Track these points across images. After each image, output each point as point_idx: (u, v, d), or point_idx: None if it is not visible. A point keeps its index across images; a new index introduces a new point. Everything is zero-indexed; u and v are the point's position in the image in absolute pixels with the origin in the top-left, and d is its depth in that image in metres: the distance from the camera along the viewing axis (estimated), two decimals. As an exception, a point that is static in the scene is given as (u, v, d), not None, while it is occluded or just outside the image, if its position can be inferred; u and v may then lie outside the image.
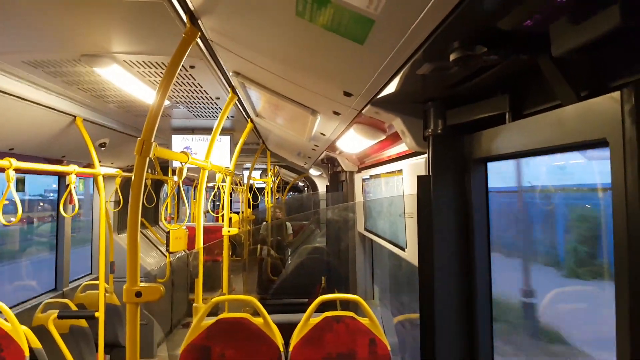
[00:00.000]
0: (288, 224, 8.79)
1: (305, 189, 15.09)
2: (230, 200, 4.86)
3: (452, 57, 1.10)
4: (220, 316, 2.97)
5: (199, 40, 1.74)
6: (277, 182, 10.94)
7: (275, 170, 9.08)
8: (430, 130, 1.79)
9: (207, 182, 3.74)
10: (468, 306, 1.75)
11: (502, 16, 0.96)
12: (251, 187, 7.61)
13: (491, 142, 1.53)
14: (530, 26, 1.01)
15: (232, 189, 7.05)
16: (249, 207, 7.76)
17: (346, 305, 4.27)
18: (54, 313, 3.79)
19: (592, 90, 1.06)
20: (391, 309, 4.14)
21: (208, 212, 6.94)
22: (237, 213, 8.86)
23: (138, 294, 1.68)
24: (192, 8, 1.52)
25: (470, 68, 1.30)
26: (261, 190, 9.23)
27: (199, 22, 1.62)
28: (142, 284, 1.70)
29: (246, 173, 7.43)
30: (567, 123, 1.10)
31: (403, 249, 2.63)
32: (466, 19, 0.94)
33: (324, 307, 3.05)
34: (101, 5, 1.67)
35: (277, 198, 11.31)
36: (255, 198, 8.17)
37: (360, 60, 1.36)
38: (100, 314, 3.68)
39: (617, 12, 0.82)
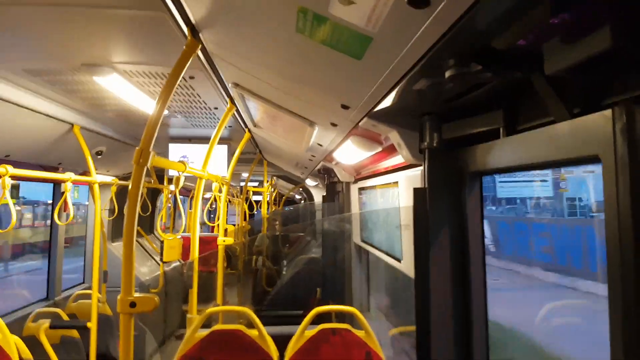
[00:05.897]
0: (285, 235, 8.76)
1: (302, 201, 15.08)
2: (227, 212, 4.84)
3: (447, 74, 1.12)
4: (215, 328, 2.94)
5: (199, 52, 1.75)
6: (274, 194, 10.93)
7: (273, 181, 9.06)
8: (426, 144, 1.81)
9: (204, 192, 3.74)
10: (464, 318, 1.75)
11: (497, 35, 0.99)
12: (247, 197, 7.60)
13: (486, 156, 1.55)
14: (524, 45, 1.03)
15: (229, 201, 7.00)
16: (245, 219, 7.72)
17: (342, 317, 4.25)
18: (46, 323, 3.73)
19: (584, 107, 1.08)
20: (387, 321, 4.13)
21: (205, 223, 6.91)
22: (233, 225, 8.84)
23: (132, 305, 1.67)
24: (193, 21, 1.54)
25: (465, 84, 1.33)
26: (257, 202, 9.19)
27: (200, 34, 1.64)
28: (136, 294, 1.69)
29: (243, 183, 7.42)
30: (560, 139, 1.12)
31: (399, 261, 2.64)
32: (461, 37, 0.97)
33: (319, 319, 3.03)
34: (103, 16, 1.68)
35: (274, 211, 11.30)
36: (251, 208, 8.13)
37: (358, 74, 1.38)
38: (93, 325, 3.64)
39: (608, 33, 0.84)
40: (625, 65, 0.97)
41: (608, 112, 0.94)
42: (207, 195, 7.14)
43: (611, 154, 0.93)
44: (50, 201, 5.05)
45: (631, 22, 0.84)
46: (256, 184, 10.25)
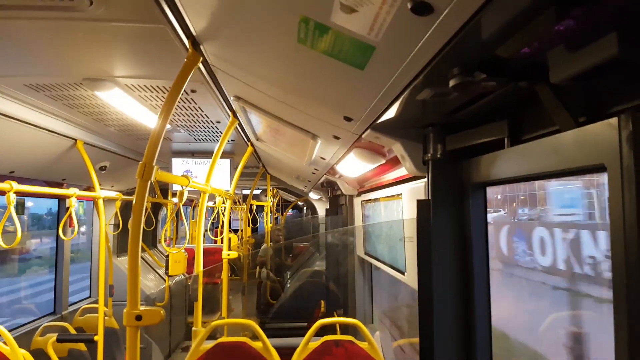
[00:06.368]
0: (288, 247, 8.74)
1: (305, 208, 15.14)
2: (230, 219, 4.86)
3: (451, 83, 1.11)
4: (220, 340, 2.94)
5: (200, 65, 1.75)
6: (276, 201, 10.90)
7: (275, 190, 9.06)
8: (429, 155, 1.80)
9: (207, 201, 3.75)
10: (467, 330, 1.73)
11: (501, 43, 0.98)
12: (250, 208, 7.59)
13: (490, 167, 1.53)
14: (529, 53, 1.02)
15: (232, 208, 7.03)
16: (248, 225, 7.71)
17: (345, 329, 4.22)
18: (53, 337, 3.76)
19: (589, 116, 1.07)
20: (391, 333, 4.09)
21: (207, 232, 6.91)
22: (236, 232, 8.80)
23: (138, 318, 1.67)
24: (194, 33, 1.54)
25: (469, 94, 1.32)
26: (260, 208, 9.16)
27: (201, 47, 1.64)
28: (142, 307, 1.69)
29: (246, 192, 7.42)
30: (565, 149, 1.10)
31: (402, 273, 2.62)
32: (465, 46, 0.96)
33: (323, 331, 3.02)
34: (104, 30, 1.69)
35: (277, 217, 11.27)
36: (255, 221, 8.11)
37: (361, 85, 1.37)
38: (99, 338, 3.65)
39: (614, 40, 0.83)
40: (631, 73, 0.96)
41: (614, 120, 0.93)
42: (210, 203, 7.14)
43: (617, 163, 0.92)
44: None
45: (638, 28, 0.83)
46: (259, 191, 10.24)
